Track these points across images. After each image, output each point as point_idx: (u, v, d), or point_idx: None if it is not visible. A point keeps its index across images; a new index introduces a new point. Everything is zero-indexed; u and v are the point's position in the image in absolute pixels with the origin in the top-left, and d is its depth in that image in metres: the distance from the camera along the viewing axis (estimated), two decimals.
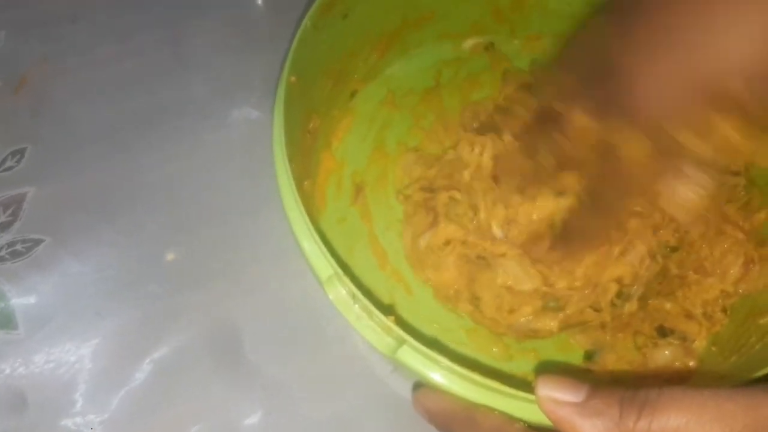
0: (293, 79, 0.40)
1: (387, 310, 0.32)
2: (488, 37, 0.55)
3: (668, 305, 0.46)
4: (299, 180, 0.38)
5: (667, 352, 0.45)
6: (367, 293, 0.32)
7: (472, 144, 0.47)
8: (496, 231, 0.44)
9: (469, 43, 0.56)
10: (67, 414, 0.43)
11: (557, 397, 0.29)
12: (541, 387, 0.29)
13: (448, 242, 0.45)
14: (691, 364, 0.44)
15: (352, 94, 0.53)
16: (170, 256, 0.48)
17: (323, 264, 0.34)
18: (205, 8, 0.59)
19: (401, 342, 0.32)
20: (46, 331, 0.46)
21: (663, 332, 0.46)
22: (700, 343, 0.45)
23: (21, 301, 0.47)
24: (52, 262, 0.48)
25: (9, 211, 0.49)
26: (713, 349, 0.45)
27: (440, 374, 0.31)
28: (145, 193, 0.50)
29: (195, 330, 0.46)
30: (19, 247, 0.48)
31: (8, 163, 0.51)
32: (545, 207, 0.43)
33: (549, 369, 0.45)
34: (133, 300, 0.47)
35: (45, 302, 0.47)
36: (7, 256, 0.48)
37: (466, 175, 0.46)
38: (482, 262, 0.44)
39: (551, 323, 0.44)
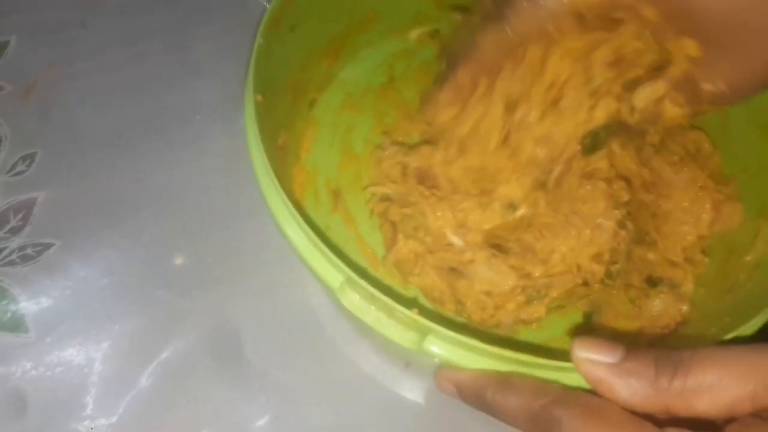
0: (258, 97, 0.40)
1: (409, 303, 0.32)
2: (432, 26, 0.56)
3: (651, 255, 0.47)
4: None
5: (658, 300, 0.47)
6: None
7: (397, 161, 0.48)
8: (453, 238, 0.44)
9: (414, 34, 0.56)
10: (78, 417, 0.44)
11: (594, 358, 0.30)
12: (578, 349, 0.30)
13: (416, 255, 0.45)
14: (684, 308, 0.46)
15: (311, 104, 0.53)
16: (178, 260, 0.49)
17: (333, 273, 0.34)
18: (211, 13, 0.60)
19: (425, 333, 0.32)
20: (56, 334, 0.46)
21: (652, 282, 0.47)
22: (687, 287, 0.47)
23: (31, 304, 0.47)
24: (61, 266, 0.48)
25: (20, 216, 0.50)
26: (701, 290, 0.46)
27: (471, 357, 0.32)
28: (150, 198, 0.51)
29: (201, 334, 0.46)
30: (29, 251, 0.49)
31: (19, 168, 0.52)
32: (493, 218, 0.43)
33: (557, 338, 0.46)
34: (140, 304, 0.47)
35: (55, 306, 0.47)
36: (17, 260, 0.48)
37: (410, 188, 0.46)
38: (456, 273, 0.44)
39: (538, 310, 0.44)
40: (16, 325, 0.46)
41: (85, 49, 0.58)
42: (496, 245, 0.44)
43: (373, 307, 0.33)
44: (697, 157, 0.50)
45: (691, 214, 0.48)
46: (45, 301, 0.47)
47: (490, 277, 0.43)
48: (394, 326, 0.32)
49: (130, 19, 0.59)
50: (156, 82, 0.56)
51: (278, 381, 0.45)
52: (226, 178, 0.52)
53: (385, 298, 0.31)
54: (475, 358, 0.32)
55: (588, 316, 0.47)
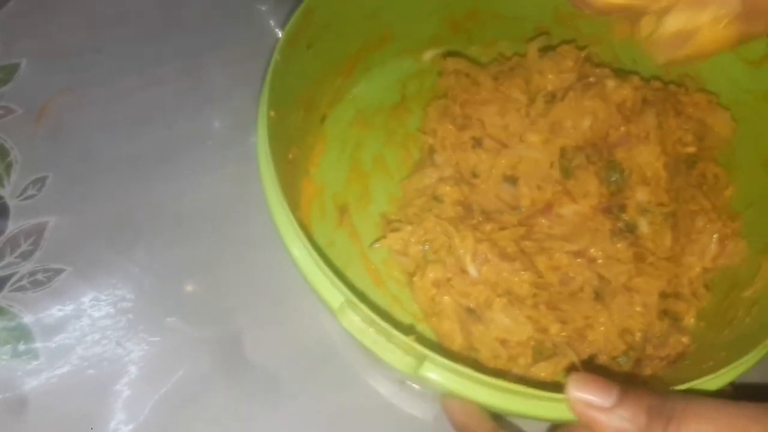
0: (272, 113, 0.41)
1: (406, 329, 0.32)
2: (447, 47, 0.56)
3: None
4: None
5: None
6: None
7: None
8: (470, 267, 0.44)
9: (428, 55, 0.57)
10: None
11: (588, 399, 0.30)
12: (573, 388, 0.30)
13: (438, 287, 0.45)
14: (684, 340, 0.46)
15: (322, 119, 0.53)
16: (189, 288, 0.48)
17: (333, 293, 0.34)
18: (224, 41, 0.59)
19: (422, 359, 0.32)
20: (66, 361, 0.46)
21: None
22: (689, 321, 0.47)
23: (42, 330, 0.47)
24: (72, 292, 0.48)
25: (30, 240, 0.49)
26: (701, 324, 0.47)
27: (465, 385, 0.32)
28: (162, 225, 0.51)
29: (212, 363, 0.46)
30: (40, 276, 0.48)
31: (30, 191, 0.52)
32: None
33: None
34: (150, 332, 0.47)
35: (66, 332, 0.47)
36: (28, 286, 0.48)
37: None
38: (474, 315, 0.44)
39: (546, 370, 0.44)
40: (26, 351, 0.46)
41: (97, 75, 0.57)
42: (510, 292, 0.44)
43: (372, 330, 0.33)
44: (714, 188, 0.50)
45: (697, 245, 0.48)
46: (56, 328, 0.47)
47: (507, 324, 0.43)
48: (392, 350, 0.33)
49: (144, 46, 0.59)
50: (168, 108, 0.56)
51: (292, 411, 0.45)
52: (239, 205, 0.51)
53: (383, 324, 0.32)
54: (471, 387, 0.32)
55: None
